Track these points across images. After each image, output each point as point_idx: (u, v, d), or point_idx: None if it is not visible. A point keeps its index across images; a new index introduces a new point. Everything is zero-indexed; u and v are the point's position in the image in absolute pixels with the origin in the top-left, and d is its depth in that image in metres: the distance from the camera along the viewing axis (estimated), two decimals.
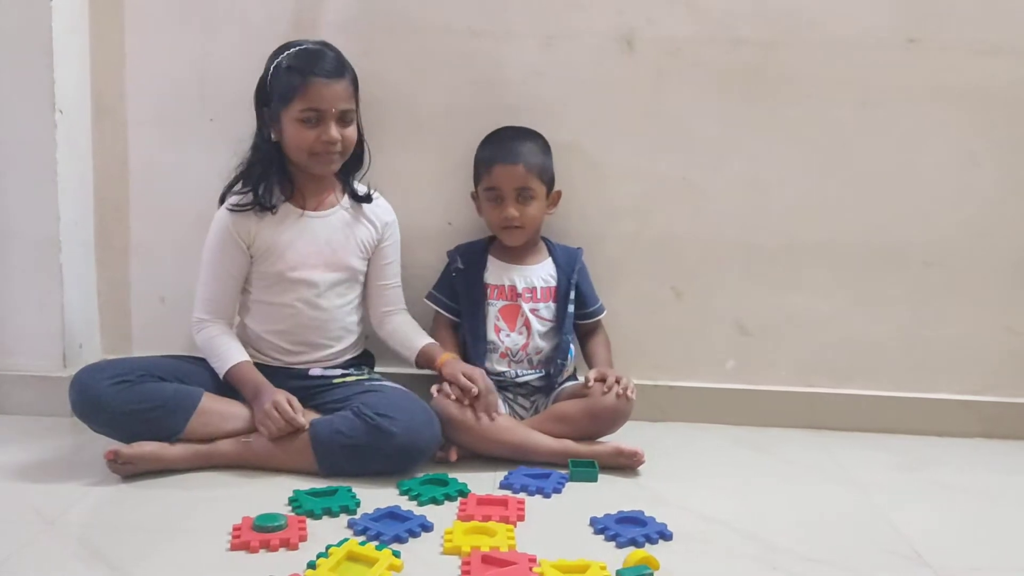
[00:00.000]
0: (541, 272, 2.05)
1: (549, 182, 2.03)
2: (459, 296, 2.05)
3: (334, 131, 1.84)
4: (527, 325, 2.02)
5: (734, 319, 2.20)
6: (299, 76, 1.80)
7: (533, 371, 2.02)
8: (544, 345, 2.02)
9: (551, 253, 2.08)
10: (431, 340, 2.00)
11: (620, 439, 1.90)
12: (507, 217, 1.97)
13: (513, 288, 2.03)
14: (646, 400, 2.12)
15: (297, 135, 1.84)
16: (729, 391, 2.21)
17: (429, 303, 2.08)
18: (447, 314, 2.07)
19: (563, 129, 2.10)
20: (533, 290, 2.03)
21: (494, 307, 2.03)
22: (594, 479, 1.81)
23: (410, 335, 2.01)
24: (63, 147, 2.04)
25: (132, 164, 2.16)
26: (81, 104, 2.11)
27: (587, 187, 2.14)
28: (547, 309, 2.04)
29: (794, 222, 2.16)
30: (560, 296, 2.04)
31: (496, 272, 2.04)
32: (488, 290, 2.03)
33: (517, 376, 2.01)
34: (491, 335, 2.01)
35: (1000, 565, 1.53)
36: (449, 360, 1.93)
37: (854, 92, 2.10)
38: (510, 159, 1.97)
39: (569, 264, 2.06)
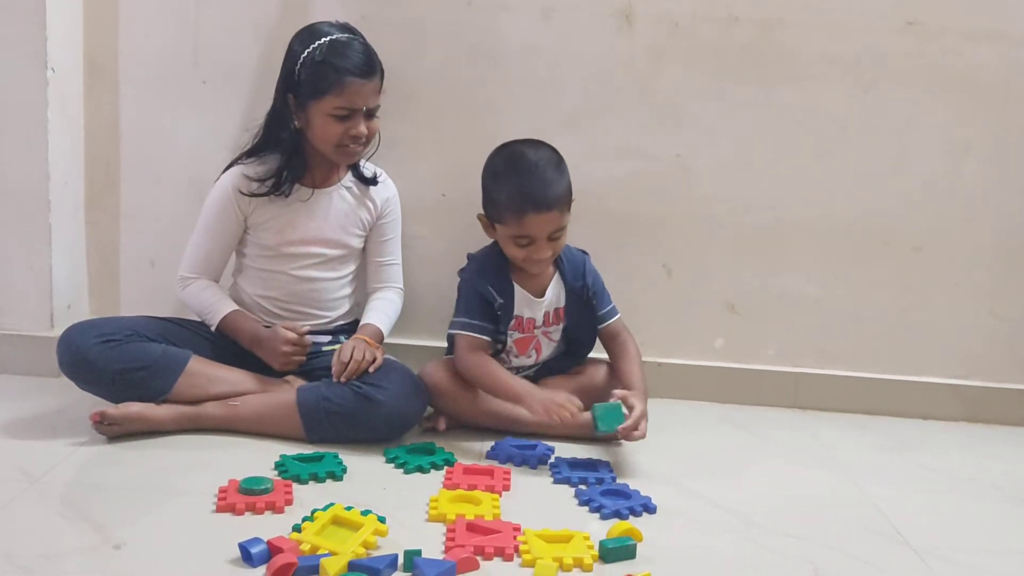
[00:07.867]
0: (551, 296, 1.93)
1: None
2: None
3: (363, 127, 1.84)
4: (537, 348, 1.96)
5: (724, 298, 2.21)
6: (335, 73, 1.78)
7: (527, 369, 2.00)
8: (548, 356, 1.99)
9: (559, 268, 1.95)
10: (373, 321, 1.94)
11: None
12: (540, 259, 1.84)
13: (532, 321, 1.94)
14: None
15: (326, 128, 1.83)
16: (717, 369, 2.22)
17: (477, 335, 1.86)
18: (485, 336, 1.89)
19: (558, 103, 2.10)
20: (547, 316, 1.94)
21: (511, 336, 1.93)
22: (621, 420, 1.73)
23: (367, 313, 1.97)
24: (54, 106, 2.02)
25: (123, 126, 2.14)
26: (73, 63, 2.08)
27: (581, 162, 2.12)
28: (557, 331, 1.97)
29: (785, 203, 2.16)
30: (570, 321, 1.95)
31: (521, 305, 1.91)
32: (514, 321, 1.92)
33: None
34: (500, 355, 1.95)
35: (980, 547, 1.54)
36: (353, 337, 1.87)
37: (850, 74, 2.09)
38: (544, 206, 1.78)
39: (576, 278, 1.94)
